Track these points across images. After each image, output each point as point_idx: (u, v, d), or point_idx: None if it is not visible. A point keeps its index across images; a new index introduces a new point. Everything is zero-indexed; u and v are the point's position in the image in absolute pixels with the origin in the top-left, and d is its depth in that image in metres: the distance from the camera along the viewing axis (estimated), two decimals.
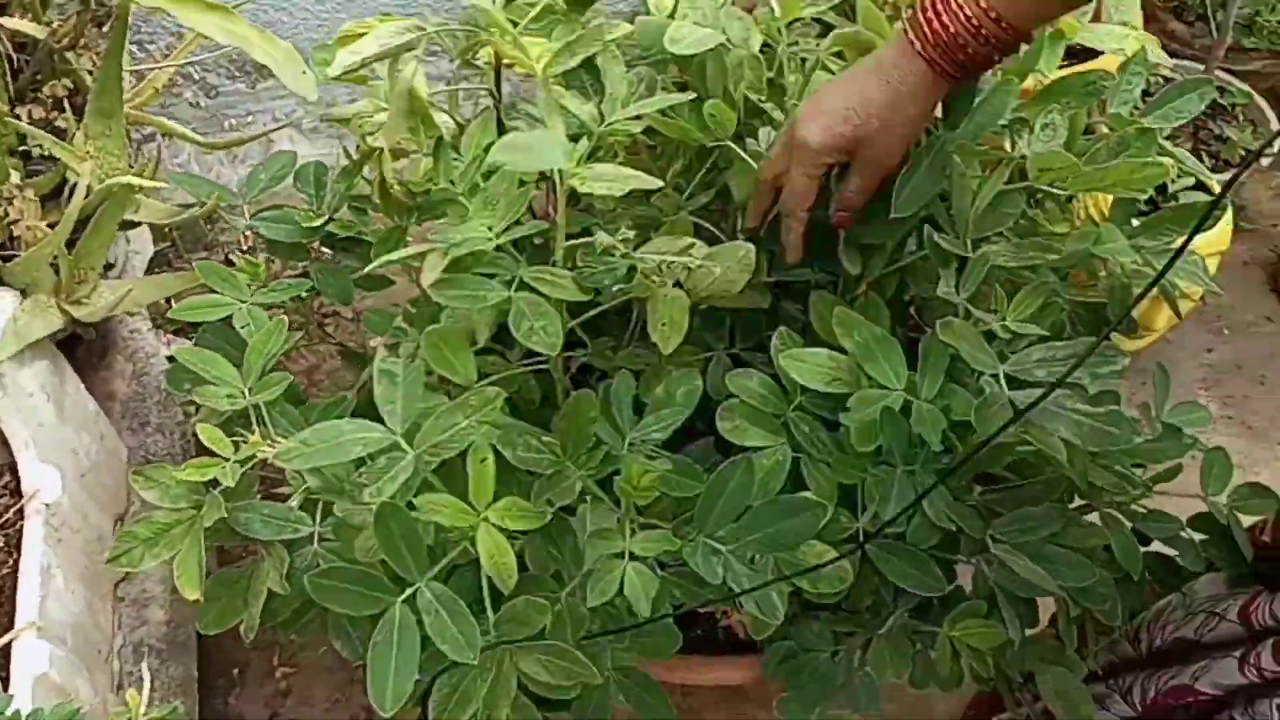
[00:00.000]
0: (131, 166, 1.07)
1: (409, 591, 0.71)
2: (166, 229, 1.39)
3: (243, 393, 0.91)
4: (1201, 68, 1.63)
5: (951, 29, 0.73)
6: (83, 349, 1.32)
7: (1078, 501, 1.00)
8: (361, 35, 0.78)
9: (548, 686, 0.77)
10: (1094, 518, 0.98)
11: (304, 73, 0.85)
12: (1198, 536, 1.03)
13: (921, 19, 0.74)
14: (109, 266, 1.25)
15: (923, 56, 0.75)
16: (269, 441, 0.90)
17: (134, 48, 1.52)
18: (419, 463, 0.74)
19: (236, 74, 1.63)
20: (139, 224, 1.10)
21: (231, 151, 1.61)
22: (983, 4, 0.72)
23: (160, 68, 1.08)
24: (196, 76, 1.60)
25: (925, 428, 0.82)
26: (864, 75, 0.78)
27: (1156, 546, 1.03)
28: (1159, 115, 0.86)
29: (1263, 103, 1.73)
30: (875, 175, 0.81)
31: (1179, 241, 0.80)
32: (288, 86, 0.88)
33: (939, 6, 0.73)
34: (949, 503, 0.84)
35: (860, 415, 0.82)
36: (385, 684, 0.68)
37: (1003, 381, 0.79)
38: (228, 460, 0.87)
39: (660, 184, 0.78)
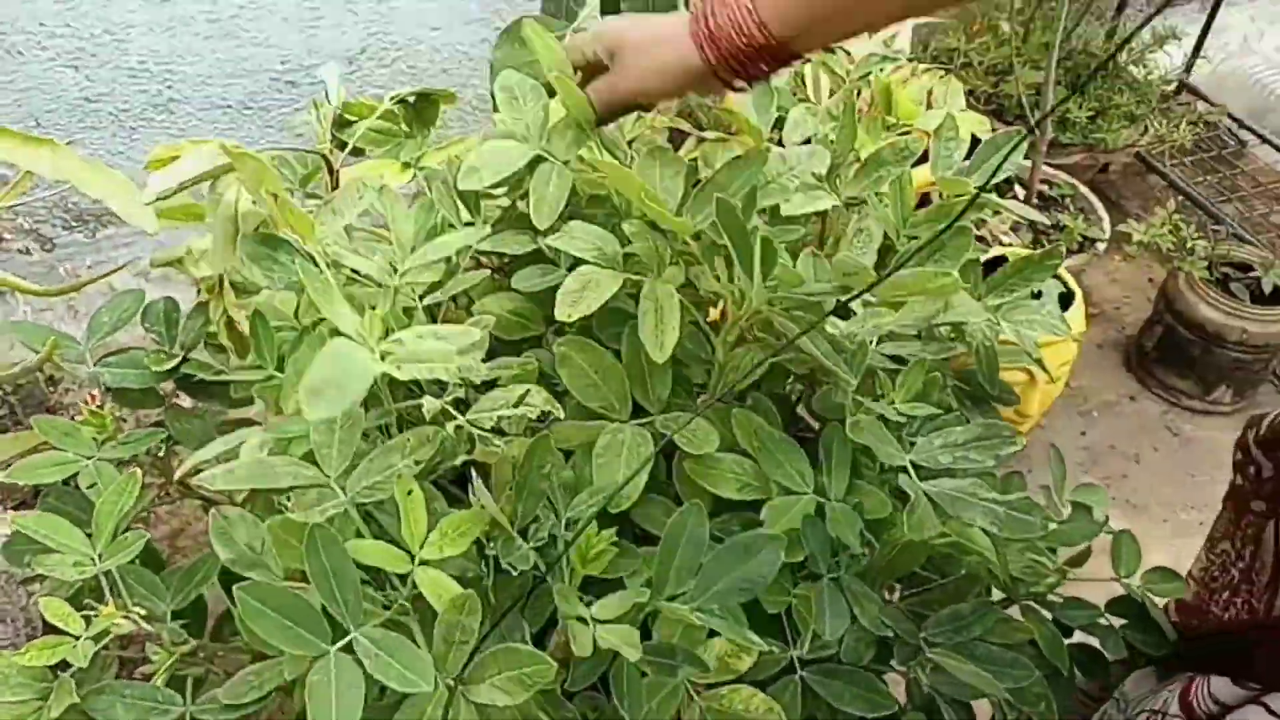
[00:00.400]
0: None
1: (345, 640, 0.64)
2: (1, 393, 1.27)
3: (92, 559, 0.80)
4: (1029, 164, 1.72)
5: (720, 23, 0.73)
6: None
7: (996, 595, 0.98)
8: (174, 159, 0.72)
9: None
10: (1014, 611, 0.96)
11: (141, 204, 0.79)
12: (1117, 621, 1.02)
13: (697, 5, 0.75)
14: None
15: (693, 38, 0.75)
16: (125, 613, 0.80)
17: None
18: (352, 505, 0.70)
19: (74, 224, 1.53)
20: None
21: (73, 307, 1.50)
22: (749, 5, 0.72)
23: None
24: (29, 227, 1.50)
25: (842, 529, 0.79)
26: (660, 18, 0.80)
27: (1077, 637, 1.02)
28: (982, 173, 0.88)
29: (1088, 192, 1.84)
30: (611, 93, 0.82)
31: (1025, 293, 0.82)
32: (125, 219, 0.81)
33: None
34: (880, 607, 0.80)
35: (778, 526, 0.78)
36: (329, 711, 0.60)
37: (912, 473, 0.77)
38: (78, 637, 0.76)
39: (476, 335, 0.71)
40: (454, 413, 0.73)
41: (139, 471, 0.84)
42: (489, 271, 0.91)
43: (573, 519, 0.77)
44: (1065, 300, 1.62)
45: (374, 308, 0.71)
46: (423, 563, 0.69)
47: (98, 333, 0.95)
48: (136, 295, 0.98)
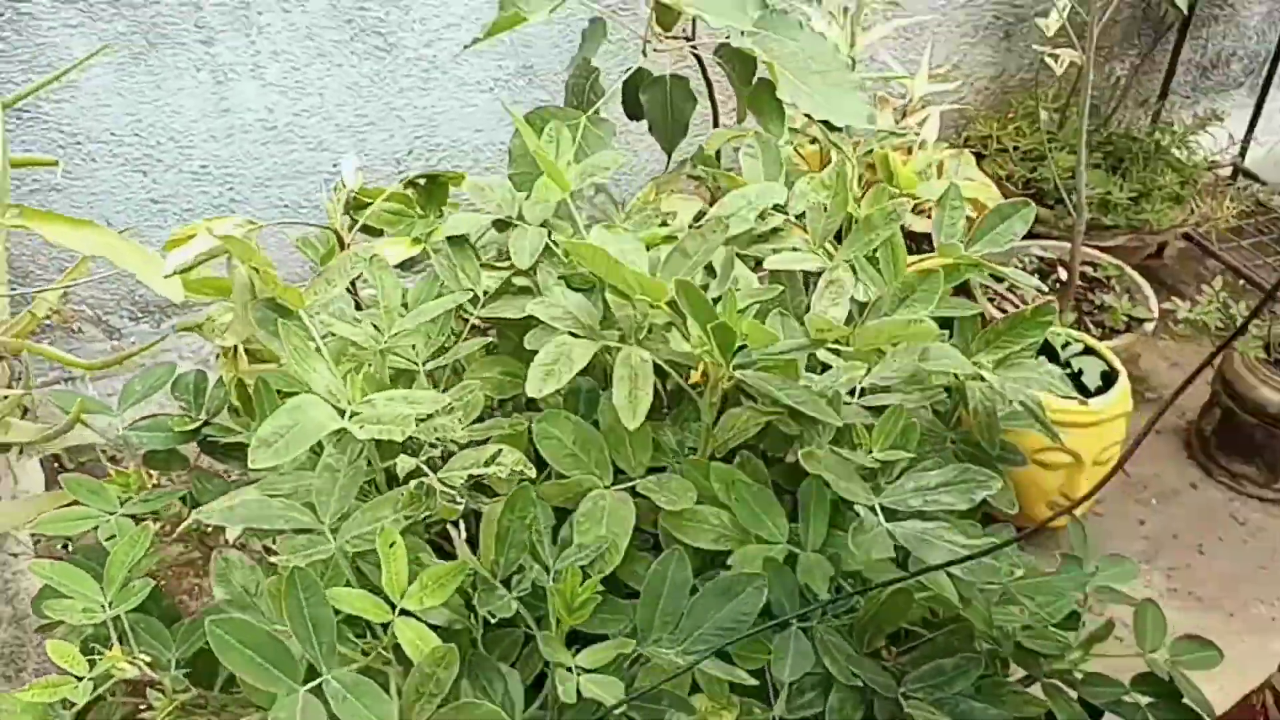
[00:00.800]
0: (5, 397, 1.04)
1: (316, 681, 0.66)
2: (56, 465, 1.35)
3: (102, 606, 0.84)
4: (1068, 246, 1.72)
5: None
6: None
7: (1019, 673, 0.96)
8: (191, 238, 0.79)
9: None
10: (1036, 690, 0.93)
11: (167, 276, 0.86)
12: (1144, 699, 0.97)
13: None
14: None
15: None
16: (130, 659, 0.83)
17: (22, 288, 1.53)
18: (341, 553, 0.73)
19: (140, 315, 1.64)
20: (9, 446, 1.06)
21: None
22: None
23: (37, 292, 1.08)
24: (99, 317, 1.61)
25: (812, 578, 0.79)
26: None
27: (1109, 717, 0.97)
28: (986, 241, 0.89)
29: (1134, 274, 1.82)
30: None
31: (1018, 351, 0.81)
32: (154, 290, 0.88)
33: None
34: (849, 655, 0.79)
35: (745, 570, 0.78)
36: None
37: (879, 513, 0.77)
38: (80, 678, 0.79)
39: (444, 400, 0.75)
40: (426, 470, 0.76)
41: (150, 525, 0.89)
42: (489, 339, 0.96)
43: (560, 571, 0.79)
44: (1109, 379, 1.59)
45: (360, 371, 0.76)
46: (404, 612, 0.71)
47: (129, 399, 1.02)
48: (168, 367, 1.05)
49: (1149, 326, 1.75)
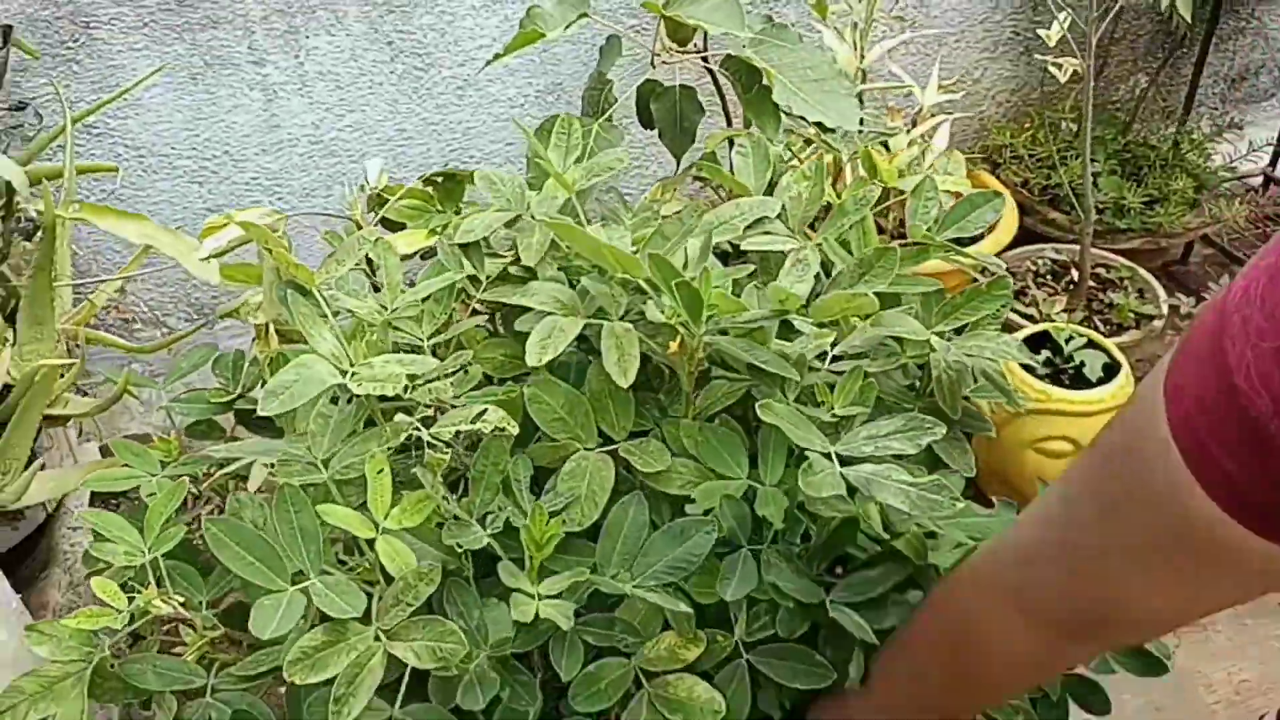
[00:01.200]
0: (63, 375, 1.16)
1: (304, 583, 0.75)
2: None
3: (141, 550, 0.95)
4: (1078, 248, 1.76)
5: None
6: (27, 565, 1.37)
7: None
8: (225, 225, 0.89)
9: None
10: None
11: (203, 260, 0.97)
12: None
13: None
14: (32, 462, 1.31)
15: None
16: (164, 598, 0.93)
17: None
18: (332, 482, 0.81)
19: (195, 316, 1.77)
20: (69, 418, 1.18)
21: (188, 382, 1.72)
22: None
23: (97, 283, 1.20)
24: (157, 318, 1.74)
25: (768, 508, 0.85)
26: None
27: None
28: (956, 228, 0.96)
29: (1147, 275, 1.86)
30: None
31: (976, 322, 0.88)
32: (193, 274, 0.99)
33: None
34: (785, 573, 0.86)
35: (704, 505, 0.86)
36: (268, 622, 0.72)
37: (834, 458, 0.83)
38: (120, 611, 0.89)
39: (433, 363, 0.84)
40: (419, 426, 0.85)
41: (186, 480, 0.99)
42: (485, 317, 1.05)
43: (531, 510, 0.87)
44: (1111, 372, 1.63)
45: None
46: (385, 531, 0.80)
47: (174, 375, 1.13)
48: (210, 347, 1.16)
49: (1157, 324, 1.79)
